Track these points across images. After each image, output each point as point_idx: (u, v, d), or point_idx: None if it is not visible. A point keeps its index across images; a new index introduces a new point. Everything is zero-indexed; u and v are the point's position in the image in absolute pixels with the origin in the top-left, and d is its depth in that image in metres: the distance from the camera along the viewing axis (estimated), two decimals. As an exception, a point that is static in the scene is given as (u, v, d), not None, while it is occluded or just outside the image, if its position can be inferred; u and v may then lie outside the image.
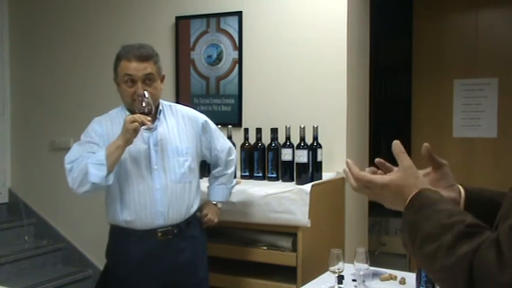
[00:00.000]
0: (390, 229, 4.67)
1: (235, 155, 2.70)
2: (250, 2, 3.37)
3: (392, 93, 5.32)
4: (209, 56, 3.49)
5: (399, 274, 2.28)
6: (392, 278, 2.26)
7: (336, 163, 3.09)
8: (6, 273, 3.77)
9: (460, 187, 1.19)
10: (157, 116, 2.37)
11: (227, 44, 3.42)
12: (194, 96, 3.52)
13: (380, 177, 1.08)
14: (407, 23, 4.61)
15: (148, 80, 2.29)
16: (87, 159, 2.21)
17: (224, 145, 2.60)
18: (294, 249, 2.70)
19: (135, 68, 2.27)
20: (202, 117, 2.54)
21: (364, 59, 3.42)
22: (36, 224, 4.24)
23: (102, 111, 2.45)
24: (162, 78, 2.39)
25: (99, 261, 3.81)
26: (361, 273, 2.09)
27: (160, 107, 2.39)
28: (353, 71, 3.20)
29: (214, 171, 2.63)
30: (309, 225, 2.65)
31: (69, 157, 2.29)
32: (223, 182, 2.63)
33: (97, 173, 2.17)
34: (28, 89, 4.30)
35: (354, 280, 2.18)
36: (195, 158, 2.46)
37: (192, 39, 3.53)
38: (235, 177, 2.93)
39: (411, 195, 1.02)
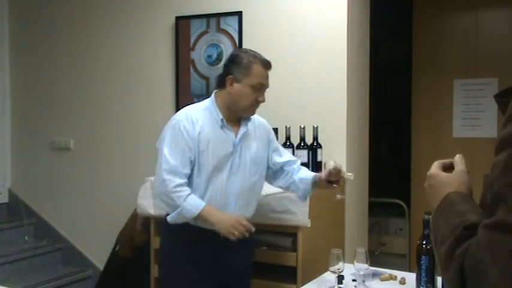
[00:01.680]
0: (390, 229, 4.66)
1: None
2: (250, 2, 3.37)
3: (392, 93, 5.32)
4: (209, 56, 3.49)
5: (399, 274, 2.28)
6: (392, 278, 2.26)
7: (336, 163, 3.08)
8: (6, 273, 3.77)
9: None
10: (244, 122, 2.39)
11: (227, 44, 3.42)
12: (194, 96, 3.52)
13: (433, 168, 1.13)
14: (407, 22, 4.61)
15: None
16: (186, 196, 2.23)
17: (288, 154, 2.62)
18: (294, 249, 2.70)
19: (267, 76, 2.35)
20: (268, 124, 2.56)
21: (364, 59, 3.42)
22: (36, 224, 4.24)
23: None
24: None
25: (99, 261, 3.82)
26: (361, 273, 2.10)
27: None
28: (353, 71, 3.20)
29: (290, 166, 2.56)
30: (309, 225, 2.65)
31: (169, 163, 2.24)
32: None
33: (176, 218, 2.26)
34: (28, 89, 4.30)
35: (354, 280, 2.18)
36: (266, 166, 2.49)
37: (192, 39, 3.53)
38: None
39: (444, 195, 1.04)
